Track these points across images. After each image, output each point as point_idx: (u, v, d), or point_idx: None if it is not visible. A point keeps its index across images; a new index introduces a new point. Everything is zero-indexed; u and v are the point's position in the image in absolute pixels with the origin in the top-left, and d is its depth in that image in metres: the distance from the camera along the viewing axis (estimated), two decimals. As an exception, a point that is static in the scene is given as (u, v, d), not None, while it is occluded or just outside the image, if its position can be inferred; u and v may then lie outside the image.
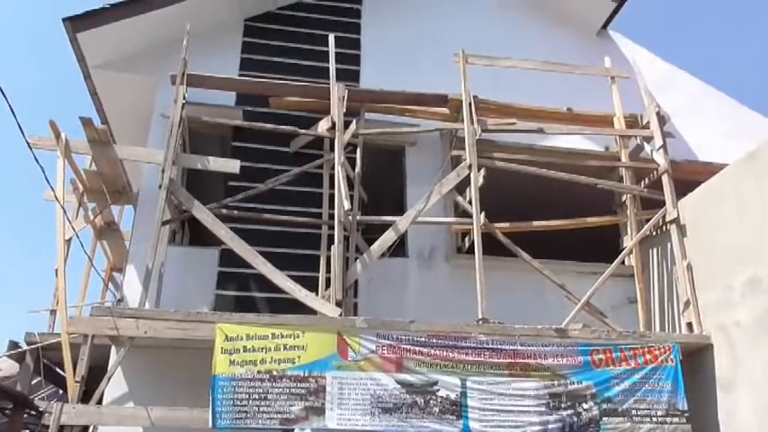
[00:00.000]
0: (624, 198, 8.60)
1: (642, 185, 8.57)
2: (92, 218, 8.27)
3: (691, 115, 9.61)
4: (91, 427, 6.03)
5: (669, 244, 7.95)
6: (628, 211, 8.42)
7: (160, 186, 6.91)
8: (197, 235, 8.50)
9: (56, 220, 6.97)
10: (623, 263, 8.11)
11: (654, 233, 8.35)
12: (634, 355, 6.77)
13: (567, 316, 7.15)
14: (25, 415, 7.56)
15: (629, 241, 8.29)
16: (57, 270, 7.23)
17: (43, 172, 5.35)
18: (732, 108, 10.30)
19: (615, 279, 7.86)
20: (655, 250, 8.35)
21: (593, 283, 7.44)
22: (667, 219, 7.94)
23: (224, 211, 7.49)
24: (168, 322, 6.16)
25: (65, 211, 6.72)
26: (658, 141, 8.32)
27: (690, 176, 8.26)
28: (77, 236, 7.36)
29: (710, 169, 7.94)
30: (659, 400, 6.62)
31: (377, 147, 8.38)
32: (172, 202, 7.18)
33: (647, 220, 8.19)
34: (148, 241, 6.69)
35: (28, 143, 5.92)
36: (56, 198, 6.59)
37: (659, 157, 8.26)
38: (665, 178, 8.12)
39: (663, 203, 8.06)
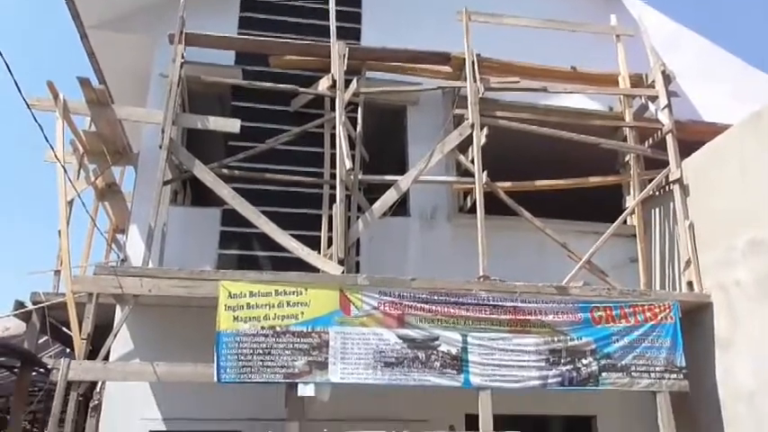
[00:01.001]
0: (627, 158, 8.57)
1: (646, 145, 8.53)
2: (93, 179, 8.26)
3: (697, 75, 9.51)
4: (99, 384, 6.11)
5: (671, 204, 7.95)
6: (631, 171, 8.40)
7: (160, 146, 6.89)
8: (198, 195, 8.51)
9: (57, 182, 6.97)
10: (625, 222, 8.13)
11: (656, 193, 8.35)
12: (634, 313, 6.83)
13: (567, 275, 7.19)
14: (33, 373, 7.65)
15: (631, 201, 8.29)
16: (60, 231, 7.26)
17: (42, 132, 5.32)
18: (739, 68, 10.18)
19: (617, 239, 7.89)
20: (657, 210, 8.34)
21: (595, 242, 7.46)
22: (670, 179, 7.92)
23: (225, 171, 7.48)
24: (172, 281, 6.21)
25: (65, 171, 6.71)
26: (663, 101, 8.25)
27: (694, 137, 8.21)
28: (79, 197, 7.36)
29: (715, 130, 7.88)
30: (658, 357, 6.71)
31: (378, 106, 8.33)
32: (172, 162, 7.17)
33: (650, 181, 8.17)
34: (150, 202, 6.70)
35: (27, 103, 5.88)
36: (56, 158, 6.58)
37: (663, 117, 8.20)
38: (668, 138, 8.08)
39: (666, 164, 8.03)
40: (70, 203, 7.28)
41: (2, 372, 7.90)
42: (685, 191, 7.77)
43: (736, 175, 7.14)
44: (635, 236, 8.18)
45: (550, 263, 7.68)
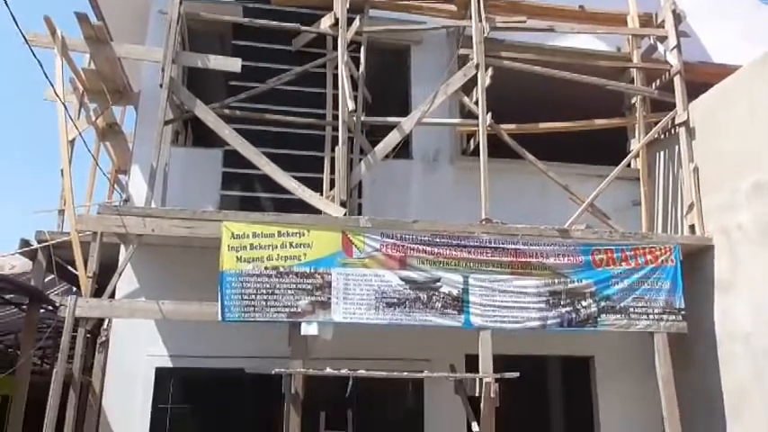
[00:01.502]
0: (634, 100, 8.46)
1: (653, 87, 8.40)
2: (94, 119, 8.19)
3: (707, 13, 9.26)
4: (105, 321, 6.22)
5: (676, 147, 7.89)
6: (636, 114, 8.30)
7: (161, 85, 6.80)
8: (200, 136, 8.45)
9: (58, 120, 6.92)
10: (629, 166, 8.08)
11: (662, 136, 8.27)
12: (635, 255, 6.87)
13: (569, 218, 7.20)
14: (41, 310, 7.79)
15: (636, 144, 8.22)
16: (62, 170, 7.25)
17: (41, 67, 5.24)
18: (751, 6, 9.92)
19: (620, 182, 7.86)
20: (661, 153, 8.29)
21: (598, 185, 7.44)
22: (677, 121, 7.83)
23: (226, 111, 7.40)
24: (174, 221, 6.23)
25: (66, 109, 6.65)
26: (672, 41, 8.08)
27: (702, 79, 8.07)
28: (80, 135, 7.32)
29: (724, 71, 7.73)
30: (657, 299, 6.78)
31: (381, 45, 8.17)
32: (173, 101, 7.09)
33: (656, 123, 8.08)
34: (151, 142, 6.66)
35: (25, 38, 5.78)
36: (56, 95, 6.50)
37: (672, 58, 8.04)
38: (676, 80, 7.95)
39: (673, 106, 7.93)
40: (72, 143, 7.24)
41: (10, 308, 8.04)
42: (691, 134, 7.70)
43: (744, 118, 7.05)
44: (638, 179, 8.15)
45: (553, 206, 7.68)
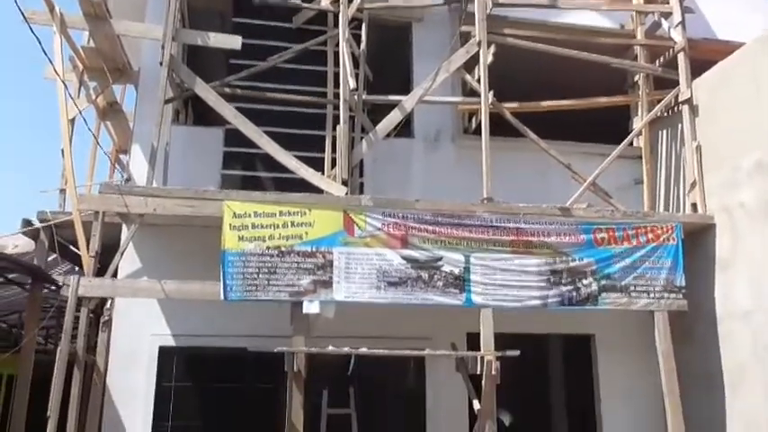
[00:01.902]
0: (637, 78, 8.40)
1: (656, 64, 8.33)
2: (94, 97, 8.15)
3: (714, -12, 9.15)
4: (108, 302, 6.24)
5: (680, 125, 7.85)
6: (640, 92, 8.25)
7: (161, 63, 6.75)
8: (200, 115, 8.42)
9: (58, 100, 6.89)
10: (631, 144, 8.05)
11: (665, 114, 8.23)
12: (636, 234, 6.87)
13: (571, 197, 7.18)
14: (44, 290, 7.81)
15: (639, 122, 8.18)
16: (63, 150, 7.24)
17: (40, 45, 5.19)
18: (757, -18, 9.77)
19: (622, 160, 7.83)
20: (664, 132, 8.25)
21: (600, 164, 7.41)
22: (680, 99, 7.78)
23: (227, 89, 7.36)
24: (176, 200, 6.23)
25: (66, 87, 6.61)
26: (677, 17, 8.00)
27: (706, 56, 8.00)
28: (81, 113, 7.29)
29: (728, 48, 7.66)
30: (658, 277, 6.80)
31: (383, 22, 8.09)
32: (173, 80, 7.04)
33: (659, 101, 8.03)
34: (152, 120, 6.63)
35: (23, 15, 5.72)
36: (56, 73, 6.46)
37: (676, 35, 7.97)
38: (680, 57, 7.88)
39: (676, 84, 7.87)
40: (72, 122, 7.22)
41: (13, 288, 8.07)
42: (695, 111, 7.65)
43: (748, 95, 7.00)
44: (641, 157, 8.13)
45: (554, 185, 7.66)
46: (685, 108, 7.69)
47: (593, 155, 7.89)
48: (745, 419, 6.63)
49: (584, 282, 6.65)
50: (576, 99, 8.09)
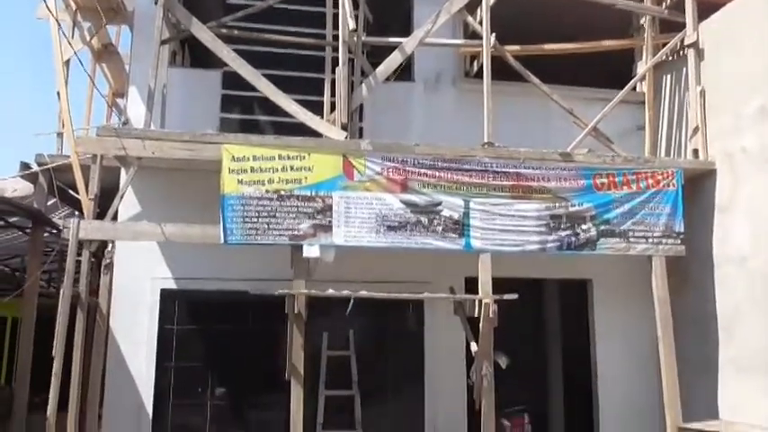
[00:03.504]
0: (642, 21, 8.22)
1: (663, 6, 8.14)
2: (88, 38, 7.99)
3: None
4: (109, 245, 6.27)
5: (684, 69, 7.73)
6: (645, 35, 8.09)
7: (156, 2, 6.59)
8: (198, 57, 8.29)
9: (52, 39, 6.76)
10: (635, 89, 7.95)
11: (669, 58, 8.09)
12: (637, 180, 6.86)
13: (572, 142, 7.14)
14: (45, 234, 7.85)
15: (642, 67, 8.05)
16: (58, 92, 7.14)
17: (31, -18, 5.05)
18: None
19: (625, 106, 7.75)
20: (668, 76, 8.13)
21: (602, 109, 7.34)
22: (686, 42, 7.64)
23: (224, 30, 7.20)
24: (174, 143, 6.18)
25: (59, 26, 6.47)
26: (685, -43, 7.76)
27: (714, -2, 7.80)
28: (76, 54, 7.16)
29: (737, -10, 7.47)
30: (657, 223, 6.82)
31: (383, -39, 7.86)
32: (169, 20, 6.90)
33: (664, 45, 7.89)
34: (148, 62, 6.52)
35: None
36: (48, 11, 6.31)
37: (684, -25, 7.75)
38: (687, -2, 7.69)
39: (682, 27, 7.70)
40: (67, 64, 7.10)
41: (14, 232, 8.11)
42: (700, 55, 7.52)
43: (755, 39, 6.87)
44: (643, 103, 8.04)
45: (555, 130, 7.61)
46: (691, 52, 7.56)
47: (595, 100, 7.80)
48: (737, 362, 6.76)
49: (584, 227, 6.67)
50: (580, 42, 7.93)
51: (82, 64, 7.34)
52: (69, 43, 7.12)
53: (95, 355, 6.04)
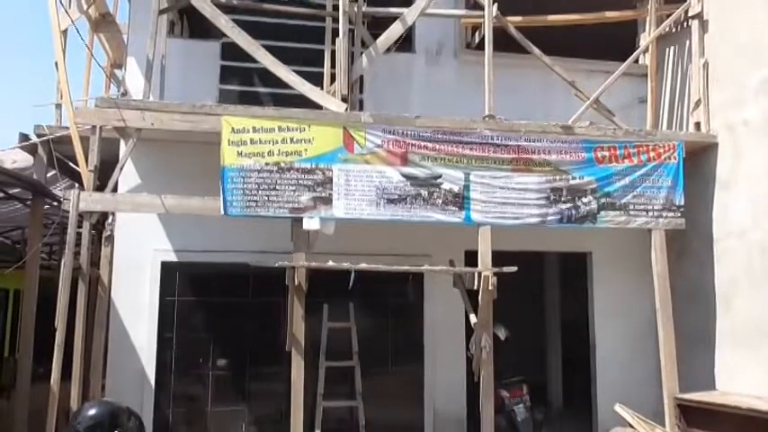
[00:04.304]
0: (647, -9, 8.11)
1: (667, -23, 8.03)
2: (85, 7, 7.88)
3: None
4: (110, 217, 6.27)
5: (688, 41, 7.66)
6: (649, 6, 7.98)
7: (153, -29, 6.49)
8: (196, 28, 8.19)
9: (49, 8, 6.67)
10: (637, 61, 7.87)
11: (673, 30, 8.00)
12: (638, 153, 6.84)
13: (574, 115, 7.09)
14: (46, 206, 7.84)
15: (646, 39, 7.96)
16: (56, 63, 7.07)
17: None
18: None
19: (627, 78, 7.68)
20: (671, 48, 8.05)
21: (605, 81, 7.27)
22: (690, 13, 7.57)
23: (222, 0, 7.10)
24: (174, 114, 6.14)
25: (56, -7, 6.38)
26: (691, -75, 7.63)
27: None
28: (73, 24, 7.07)
29: (744, -41, 7.35)
30: (657, 196, 6.81)
31: (384, -70, 7.73)
32: (167, -11, 6.80)
33: (668, 17, 7.79)
34: (146, 32, 6.45)
35: None
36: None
37: (689, -56, 7.63)
38: (693, -32, 7.59)
39: (686, -1, 7.61)
40: (64, 33, 7.02)
41: (15, 204, 8.09)
42: (704, 27, 7.45)
43: (757, 12, 6.80)
44: (646, 75, 7.98)
45: (557, 102, 7.56)
46: (695, 23, 7.48)
47: (597, 72, 7.74)
48: (734, 334, 6.82)
49: (584, 200, 6.66)
50: (582, 13, 7.84)
51: (79, 33, 7.26)
52: (66, 12, 7.04)
53: (97, 326, 6.08)
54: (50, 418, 5.62)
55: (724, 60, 7.21)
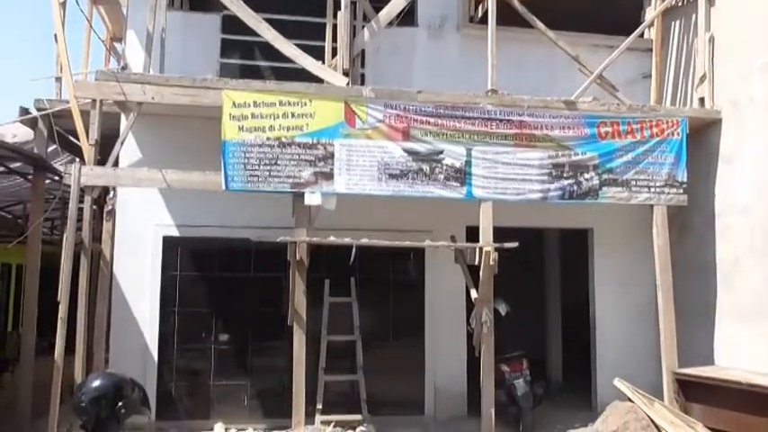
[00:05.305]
0: (653, -36, 7.98)
1: (674, -51, 7.90)
2: (84, -20, 7.80)
3: None
4: (111, 192, 6.25)
5: (694, 16, 7.56)
6: (654, -21, 7.87)
7: (152, -58, 6.40)
8: (196, 0, 8.10)
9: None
10: (642, 36, 7.78)
11: (679, 4, 7.90)
12: (641, 128, 6.79)
13: (577, 90, 7.02)
14: (47, 180, 7.82)
15: (651, 13, 7.86)
16: (55, 35, 7.00)
17: None
18: None
19: (631, 53, 7.59)
20: (677, 23, 7.95)
21: (608, 56, 7.20)
22: (696, -14, 7.44)
23: (223, -28, 7.01)
24: (174, 88, 6.10)
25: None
26: None
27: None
28: (71, -5, 6.98)
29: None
30: (660, 172, 6.78)
31: None
32: (167, -39, 6.70)
33: (674, -10, 7.69)
34: (146, 4, 6.39)
35: None
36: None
37: None
38: (700, -60, 7.45)
39: (693, -29, 7.50)
40: (63, 5, 6.94)
41: (16, 178, 8.07)
42: (710, 1, 7.34)
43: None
44: (650, 50, 7.87)
45: (560, 77, 7.50)
46: (702, -4, 7.38)
47: (601, 47, 7.67)
48: (735, 310, 6.84)
49: (586, 176, 6.64)
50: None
51: (79, 5, 7.18)
52: (64, -17, 6.95)
53: (100, 300, 6.11)
54: (55, 391, 5.67)
55: (731, 35, 7.12)
